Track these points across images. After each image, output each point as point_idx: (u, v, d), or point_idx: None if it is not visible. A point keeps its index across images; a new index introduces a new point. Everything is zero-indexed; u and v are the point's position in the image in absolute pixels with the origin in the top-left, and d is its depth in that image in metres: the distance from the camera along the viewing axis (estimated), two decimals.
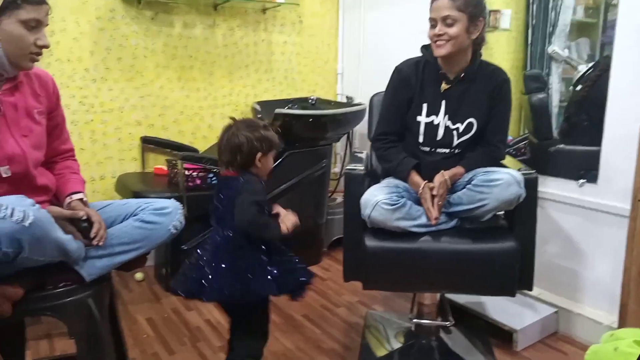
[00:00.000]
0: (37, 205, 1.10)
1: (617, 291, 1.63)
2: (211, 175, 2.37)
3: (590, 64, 2.60)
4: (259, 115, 2.83)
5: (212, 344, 1.93)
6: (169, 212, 1.42)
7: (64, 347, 1.90)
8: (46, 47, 1.26)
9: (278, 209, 1.57)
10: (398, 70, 1.80)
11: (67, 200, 1.36)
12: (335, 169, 3.22)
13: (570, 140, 2.38)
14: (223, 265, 1.44)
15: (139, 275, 2.52)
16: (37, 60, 1.27)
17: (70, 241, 1.20)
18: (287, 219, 1.51)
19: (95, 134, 2.54)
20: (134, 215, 1.39)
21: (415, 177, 1.71)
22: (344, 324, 2.12)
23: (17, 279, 1.17)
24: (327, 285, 2.51)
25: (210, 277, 1.42)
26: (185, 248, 2.34)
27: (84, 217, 1.28)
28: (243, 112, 2.94)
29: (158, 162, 2.71)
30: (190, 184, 2.32)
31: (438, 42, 1.64)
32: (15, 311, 1.18)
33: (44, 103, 1.36)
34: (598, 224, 1.94)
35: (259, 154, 1.50)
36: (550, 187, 2.10)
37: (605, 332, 1.12)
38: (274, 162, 1.59)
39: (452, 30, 1.62)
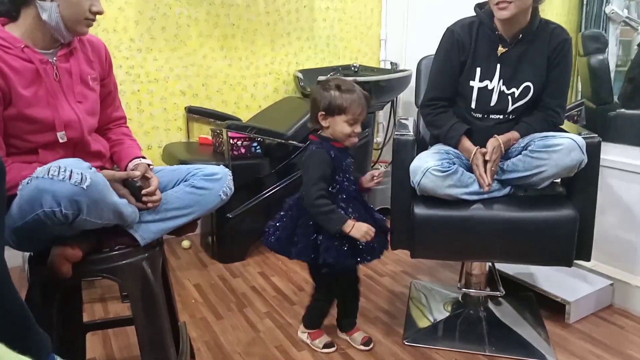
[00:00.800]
0: (94, 169, 1.12)
1: None
2: (255, 144, 2.37)
3: None
4: (302, 84, 2.79)
5: (258, 310, 1.96)
6: (219, 178, 1.42)
7: (117, 310, 1.97)
8: (100, 13, 1.27)
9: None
10: (450, 32, 1.71)
11: (135, 162, 1.38)
12: (378, 138, 3.16)
13: (633, 104, 2.24)
14: (280, 222, 1.56)
15: (185, 243, 2.58)
16: (91, 26, 1.28)
17: (126, 205, 1.22)
18: (357, 229, 1.47)
19: (141, 104, 2.58)
20: (185, 181, 1.40)
21: (467, 142, 1.65)
22: (388, 293, 2.10)
23: (76, 241, 1.21)
24: None
25: (273, 226, 1.57)
26: (230, 216, 2.37)
27: (138, 178, 1.30)
28: (285, 81, 2.91)
29: (202, 132, 2.73)
30: (235, 152, 2.33)
31: (501, 5, 1.53)
32: (75, 272, 1.21)
33: (97, 69, 1.37)
34: None
35: (321, 114, 1.51)
36: (610, 153, 1.98)
37: None
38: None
39: None
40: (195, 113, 2.70)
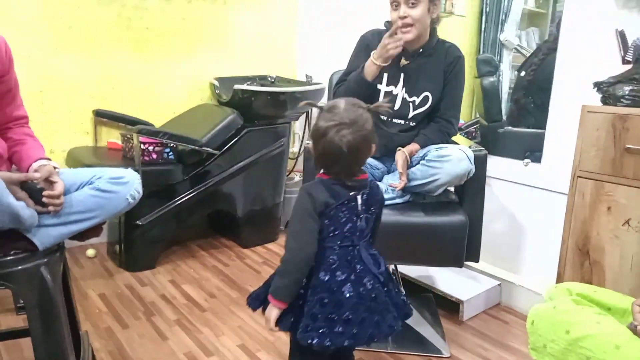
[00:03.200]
0: None
1: (555, 263, 1.75)
2: (168, 150, 2.34)
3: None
4: (217, 91, 2.80)
5: (167, 318, 1.93)
6: (126, 182, 1.40)
7: (9, 322, 1.84)
8: None
9: None
10: (363, 37, 1.86)
11: (38, 163, 1.30)
12: (294, 148, 3.24)
13: (517, 122, 2.50)
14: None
15: (90, 252, 2.47)
16: None
17: (24, 208, 1.17)
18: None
19: (44, 105, 2.44)
20: (90, 184, 1.36)
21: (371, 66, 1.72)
22: None
23: None
24: None
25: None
26: (140, 223, 2.31)
27: (39, 180, 1.24)
28: (201, 88, 2.90)
29: (111, 137, 2.63)
30: (146, 158, 2.28)
31: (404, 29, 1.67)
32: None
33: None
34: (541, 201, 2.06)
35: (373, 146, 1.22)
36: (498, 166, 2.20)
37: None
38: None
39: (416, 12, 1.66)
40: (104, 117, 2.60)
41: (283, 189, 2.86)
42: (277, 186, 2.80)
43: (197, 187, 2.46)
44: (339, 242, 1.16)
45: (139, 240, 2.34)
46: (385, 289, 1.20)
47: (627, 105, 1.52)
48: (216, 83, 2.84)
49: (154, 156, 2.30)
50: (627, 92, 1.53)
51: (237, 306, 2.05)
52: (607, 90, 1.59)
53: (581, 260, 1.61)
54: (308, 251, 1.14)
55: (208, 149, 2.38)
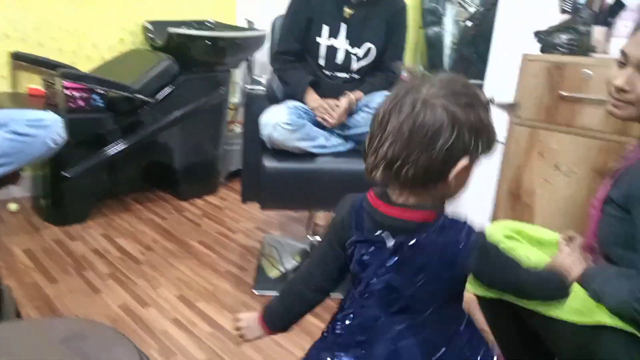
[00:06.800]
0: None
1: (491, 206, 1.81)
2: (96, 96, 2.17)
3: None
4: (151, 35, 2.61)
5: (100, 272, 1.84)
6: (46, 125, 1.29)
7: None
8: None
9: None
10: None
11: None
12: (234, 99, 3.12)
13: (461, 73, 2.53)
14: None
15: (12, 206, 2.29)
16: None
17: None
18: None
19: None
20: (5, 126, 1.24)
21: (312, 95, 1.71)
22: (240, 248, 2.13)
23: None
24: (224, 213, 2.49)
25: None
26: (69, 176, 2.16)
27: None
28: (133, 32, 2.69)
29: (33, 82, 2.41)
30: (72, 105, 2.10)
31: None
32: None
33: None
34: None
35: (465, 159, 0.71)
36: None
37: None
38: None
39: None
40: (23, 60, 2.36)
41: (223, 141, 2.76)
42: (216, 137, 2.70)
43: (131, 137, 2.32)
44: None
45: (67, 193, 2.19)
46: None
47: (563, 54, 1.55)
48: (150, 26, 2.64)
49: (81, 103, 2.13)
50: (564, 41, 1.56)
51: (175, 258, 1.99)
52: (545, 39, 1.62)
53: (513, 204, 1.67)
54: None
55: (141, 96, 2.23)
